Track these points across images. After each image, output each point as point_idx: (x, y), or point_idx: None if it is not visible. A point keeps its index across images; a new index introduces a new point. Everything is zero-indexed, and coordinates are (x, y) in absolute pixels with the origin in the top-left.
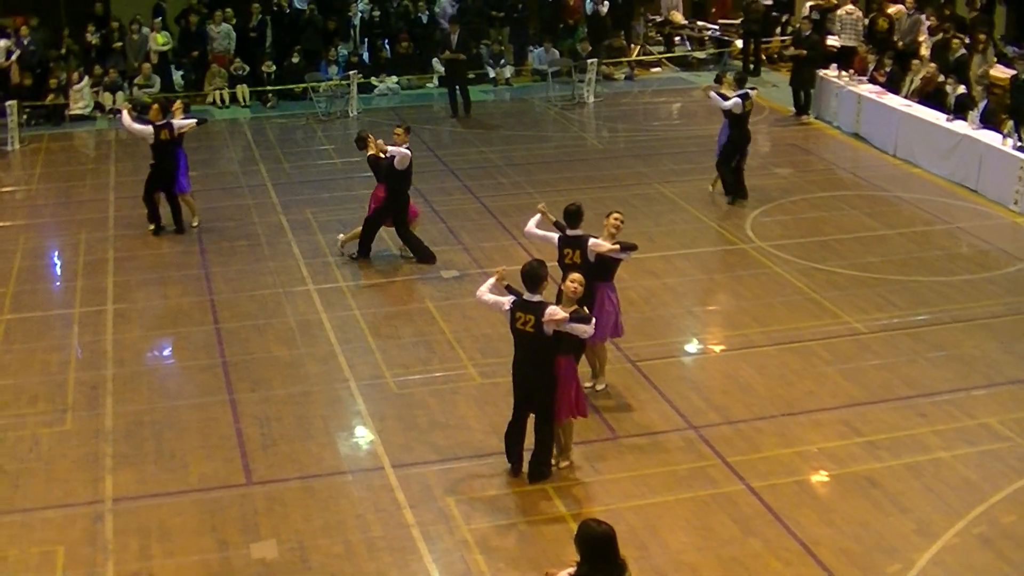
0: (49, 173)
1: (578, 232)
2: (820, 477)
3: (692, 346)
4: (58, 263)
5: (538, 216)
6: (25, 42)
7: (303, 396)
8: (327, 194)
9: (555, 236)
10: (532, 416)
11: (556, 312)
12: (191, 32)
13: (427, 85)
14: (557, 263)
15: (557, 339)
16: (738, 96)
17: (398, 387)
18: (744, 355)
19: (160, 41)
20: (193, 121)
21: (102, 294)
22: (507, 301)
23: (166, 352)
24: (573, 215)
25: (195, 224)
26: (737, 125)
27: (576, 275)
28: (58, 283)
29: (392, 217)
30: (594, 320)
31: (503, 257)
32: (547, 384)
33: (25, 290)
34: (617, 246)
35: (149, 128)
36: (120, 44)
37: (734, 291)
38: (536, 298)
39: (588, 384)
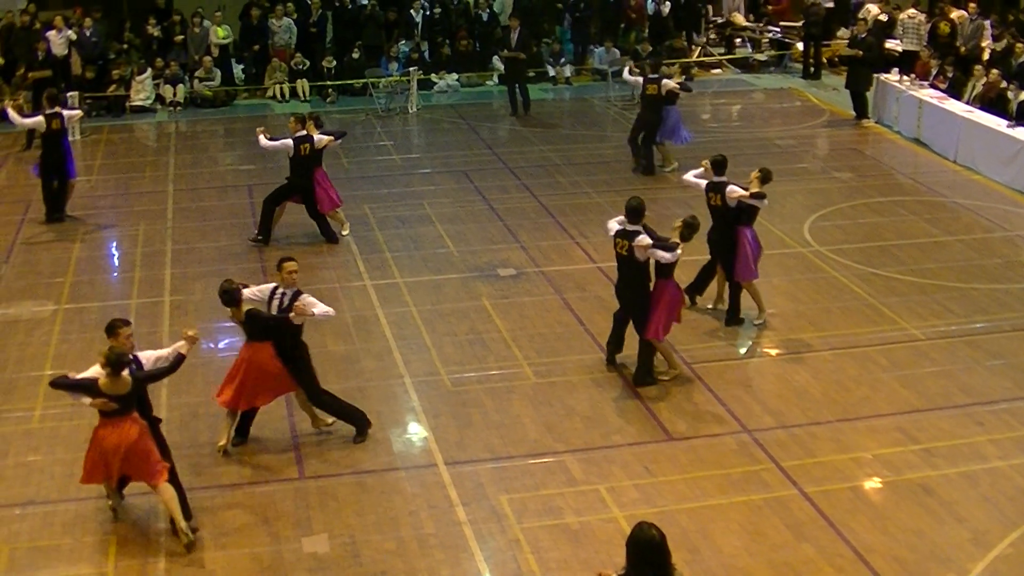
0: (109, 164)
1: (722, 179)
2: (874, 484)
3: (748, 349)
4: (116, 254)
5: (701, 169)
6: (87, 34)
7: (358, 391)
8: (385, 190)
9: (703, 182)
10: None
11: (643, 239)
12: (252, 26)
13: (487, 83)
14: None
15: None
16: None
17: (453, 384)
18: (800, 359)
19: (221, 34)
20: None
21: (159, 285)
22: (614, 228)
23: (222, 344)
24: (720, 164)
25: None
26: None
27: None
28: (116, 274)
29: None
30: (743, 260)
31: (560, 256)
32: (640, 301)
33: (83, 280)
34: (748, 194)
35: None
36: (182, 37)
37: (791, 295)
38: (633, 228)
39: (757, 321)
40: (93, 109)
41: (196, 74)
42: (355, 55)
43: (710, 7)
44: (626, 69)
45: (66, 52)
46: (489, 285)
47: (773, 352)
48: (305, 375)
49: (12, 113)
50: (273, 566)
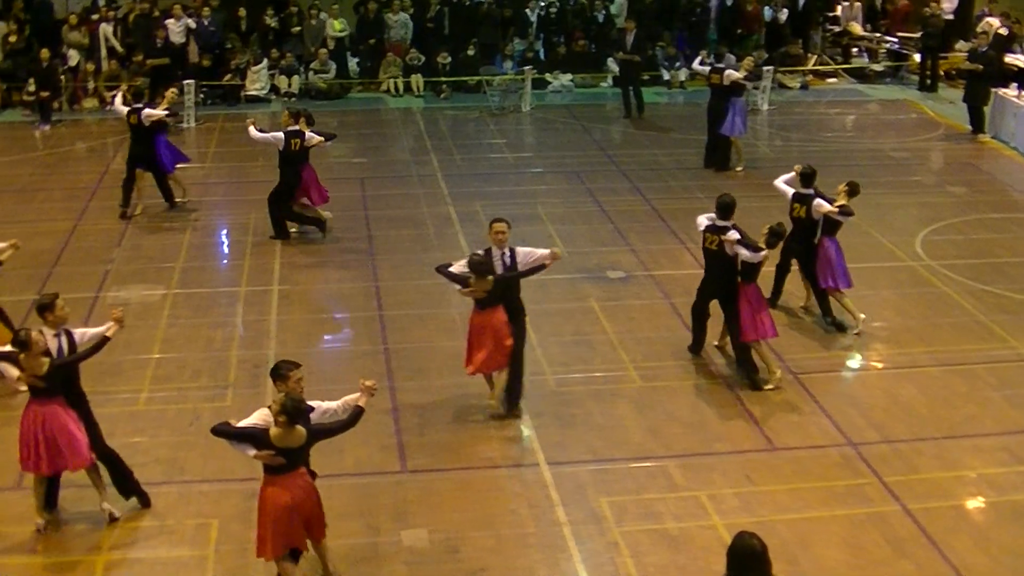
0: (222, 152)
1: (808, 191)
2: (978, 503)
3: (855, 362)
4: (226, 241)
5: (792, 175)
6: (205, 23)
7: (462, 388)
8: (497, 188)
9: (791, 191)
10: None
11: (732, 234)
12: (369, 20)
13: (601, 84)
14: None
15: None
16: None
17: (557, 384)
18: (907, 374)
19: (337, 27)
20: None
21: (268, 274)
22: (704, 223)
23: (328, 336)
24: (808, 176)
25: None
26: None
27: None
28: (226, 261)
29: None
30: (824, 267)
31: (670, 261)
32: (728, 296)
33: (193, 266)
34: (836, 208)
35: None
36: (298, 28)
37: (900, 308)
38: (723, 223)
39: (854, 331)
40: (208, 98)
41: (311, 66)
42: (470, 52)
43: (821, 17)
44: (697, 60)
45: (184, 40)
46: (597, 287)
47: (880, 365)
48: (522, 334)
49: (117, 100)
50: (369, 558)
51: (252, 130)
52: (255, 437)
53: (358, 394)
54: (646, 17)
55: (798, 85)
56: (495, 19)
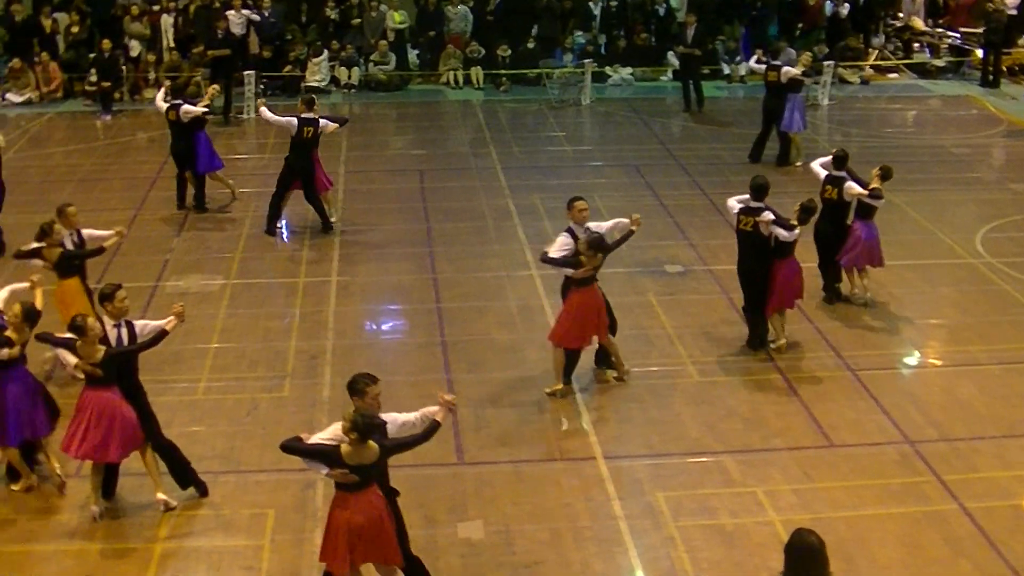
0: (282, 144)
1: (840, 174)
2: None
3: (913, 359)
4: (285, 232)
5: (828, 159)
6: (266, 14)
7: (519, 381)
8: (556, 181)
9: (824, 173)
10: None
11: (767, 215)
12: (429, 12)
13: (661, 78)
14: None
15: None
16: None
17: (615, 378)
18: (966, 372)
19: (397, 19)
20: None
21: (327, 265)
22: (738, 206)
23: (386, 327)
24: (840, 160)
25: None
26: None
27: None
28: (284, 252)
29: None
30: (849, 246)
31: (728, 255)
32: (761, 276)
33: (252, 256)
34: (867, 192)
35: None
36: (358, 20)
37: (960, 306)
38: (756, 205)
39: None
40: (269, 89)
41: (371, 57)
42: (530, 45)
43: (882, 12)
44: (753, 58)
45: (244, 32)
46: (655, 281)
47: (939, 363)
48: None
49: (159, 96)
50: (425, 549)
51: (265, 111)
52: (326, 454)
53: (436, 407)
54: (707, 11)
55: (858, 80)
56: (555, 12)
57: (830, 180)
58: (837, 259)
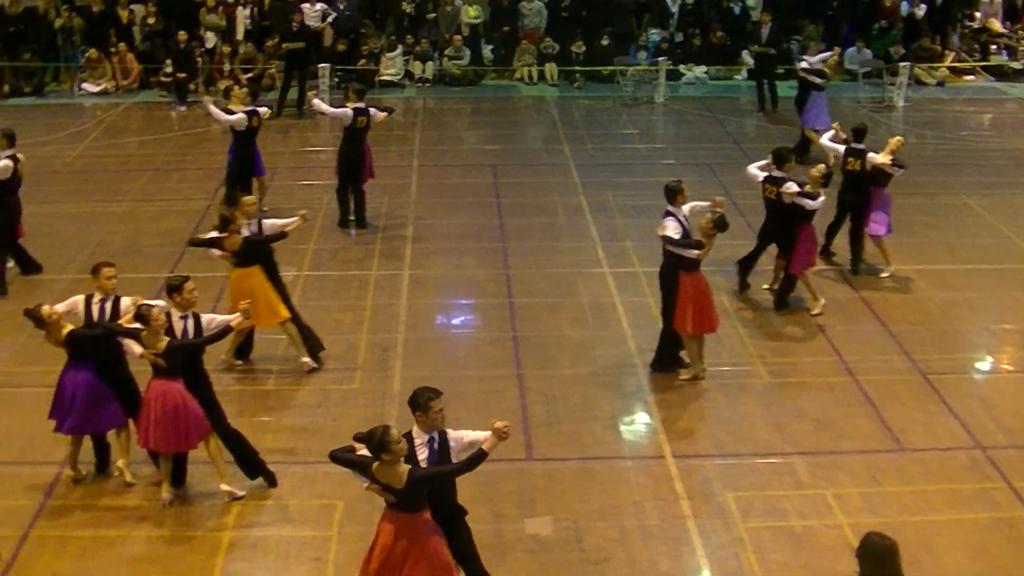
0: None
1: (861, 146)
2: None
3: (986, 364)
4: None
5: (833, 132)
6: (341, 7)
7: (590, 378)
8: (628, 178)
9: (842, 148)
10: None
11: (791, 186)
12: (503, 7)
13: (735, 77)
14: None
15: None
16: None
17: (687, 379)
18: None
19: (472, 14)
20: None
21: (399, 259)
22: (762, 175)
23: (457, 321)
24: (860, 132)
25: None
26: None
27: (820, 166)
28: (355, 244)
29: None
30: (874, 216)
31: None
32: (787, 241)
33: (325, 248)
34: (888, 161)
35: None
36: (433, 15)
37: None
38: (779, 174)
39: (885, 274)
40: (343, 82)
41: (445, 52)
42: (604, 42)
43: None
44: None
45: (320, 25)
46: (728, 280)
47: (1011, 368)
48: None
49: (217, 111)
50: (494, 544)
51: (318, 103)
52: (364, 467)
53: (488, 433)
54: (782, 9)
55: (934, 82)
56: (629, 9)
57: (851, 152)
58: (871, 234)
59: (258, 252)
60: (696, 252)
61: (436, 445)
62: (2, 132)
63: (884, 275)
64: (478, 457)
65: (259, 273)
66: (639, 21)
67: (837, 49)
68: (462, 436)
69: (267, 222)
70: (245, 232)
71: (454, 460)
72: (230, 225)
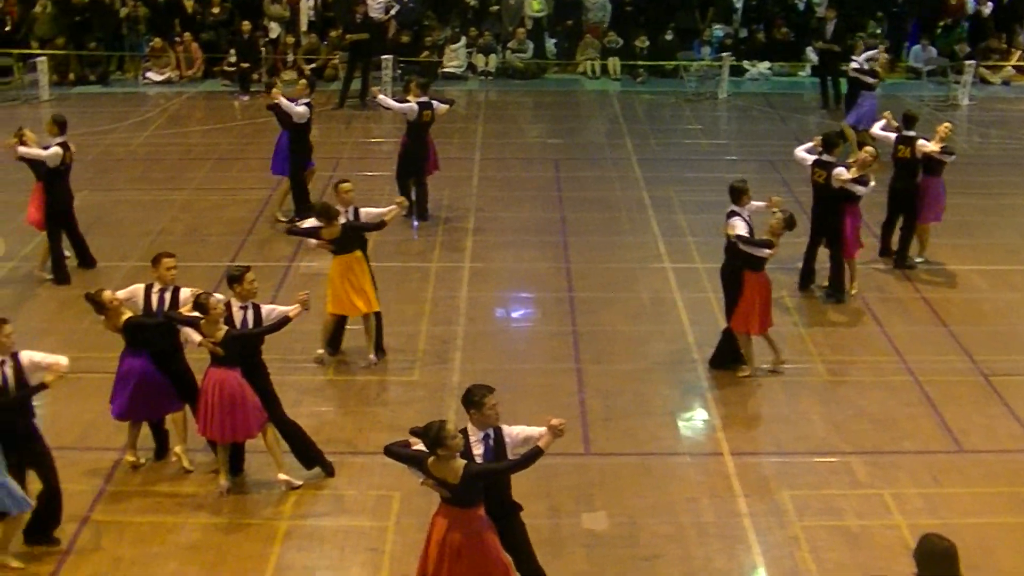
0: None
1: (911, 133)
2: None
3: None
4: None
5: (884, 121)
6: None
7: (649, 373)
8: (691, 174)
9: (893, 135)
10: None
11: (842, 172)
12: (567, 1)
13: (799, 73)
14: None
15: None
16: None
17: (748, 375)
18: None
19: (536, 7)
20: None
21: (461, 251)
22: (811, 158)
23: (517, 315)
24: (910, 119)
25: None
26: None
27: (868, 148)
28: (417, 236)
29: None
30: (930, 203)
31: (862, 255)
32: (835, 225)
33: (387, 240)
34: (938, 148)
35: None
36: (497, 8)
37: None
38: (829, 159)
39: (919, 259)
40: (406, 74)
41: (508, 45)
42: (668, 37)
43: None
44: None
45: (383, 16)
46: (788, 278)
47: None
48: None
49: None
50: (551, 539)
51: (383, 98)
52: (419, 461)
53: (543, 430)
54: (847, 6)
55: (1000, 81)
56: (693, 4)
57: (902, 140)
58: (919, 220)
59: (356, 240)
60: (768, 251)
61: (491, 441)
62: (53, 119)
63: (918, 260)
64: (534, 454)
65: (360, 260)
66: (703, 16)
67: (883, 47)
68: (517, 432)
69: (364, 210)
70: (342, 219)
71: (509, 456)
72: (333, 214)
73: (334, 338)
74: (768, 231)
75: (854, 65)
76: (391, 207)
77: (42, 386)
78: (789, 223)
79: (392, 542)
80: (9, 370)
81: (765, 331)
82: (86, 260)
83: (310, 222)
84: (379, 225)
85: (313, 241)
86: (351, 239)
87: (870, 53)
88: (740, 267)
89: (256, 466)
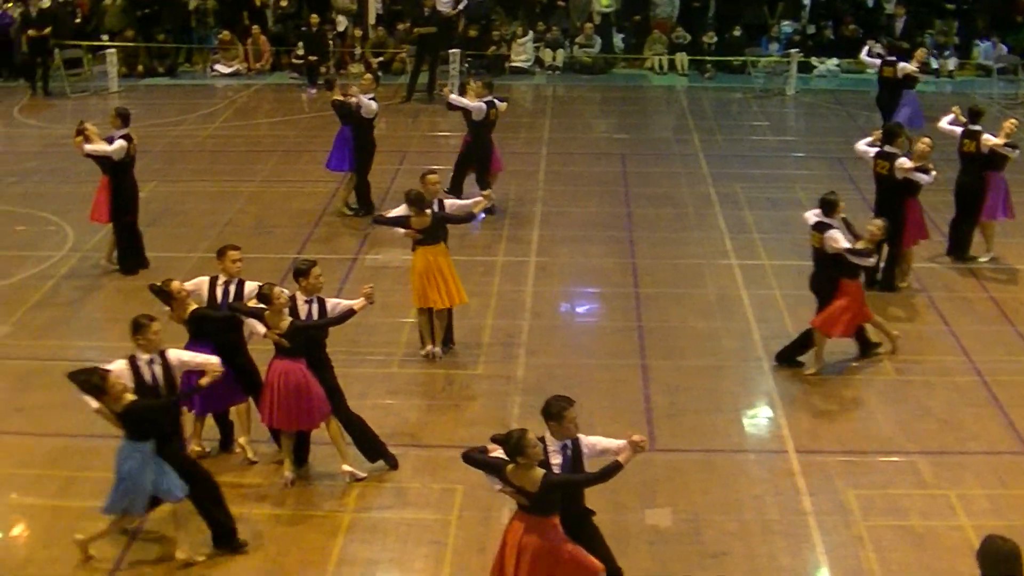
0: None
1: (977, 127)
2: None
3: None
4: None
5: (952, 116)
6: None
7: (715, 370)
8: (758, 170)
9: (959, 130)
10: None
11: (905, 162)
12: None
13: (868, 70)
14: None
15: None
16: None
17: (810, 374)
18: None
19: (604, 3)
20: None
21: (526, 246)
22: (872, 150)
23: (582, 310)
24: (976, 113)
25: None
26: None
27: (926, 139)
28: (483, 230)
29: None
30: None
31: (928, 254)
32: (895, 212)
33: (452, 233)
34: (1003, 142)
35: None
36: (564, 3)
37: None
38: (891, 149)
39: (984, 259)
40: (473, 68)
41: (576, 40)
42: (736, 33)
43: None
44: (865, 49)
45: (451, 10)
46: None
47: None
48: None
49: (362, 100)
50: (613, 534)
51: (453, 96)
52: (498, 469)
53: (623, 443)
54: (916, 3)
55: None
56: (762, 0)
57: (967, 134)
58: (984, 218)
59: (442, 230)
60: (871, 260)
61: (569, 452)
62: (116, 111)
63: (983, 260)
64: (613, 469)
65: (445, 252)
66: (771, 12)
67: (922, 49)
68: (595, 443)
69: (449, 201)
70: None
71: (587, 467)
72: (426, 203)
73: (446, 336)
74: (867, 238)
75: (911, 68)
76: (478, 199)
77: (199, 388)
78: (887, 230)
79: (455, 535)
80: (158, 368)
81: (850, 334)
82: (139, 261)
83: (399, 210)
84: (468, 217)
85: (400, 230)
86: (438, 230)
87: (877, 49)
88: (837, 276)
89: (320, 458)
